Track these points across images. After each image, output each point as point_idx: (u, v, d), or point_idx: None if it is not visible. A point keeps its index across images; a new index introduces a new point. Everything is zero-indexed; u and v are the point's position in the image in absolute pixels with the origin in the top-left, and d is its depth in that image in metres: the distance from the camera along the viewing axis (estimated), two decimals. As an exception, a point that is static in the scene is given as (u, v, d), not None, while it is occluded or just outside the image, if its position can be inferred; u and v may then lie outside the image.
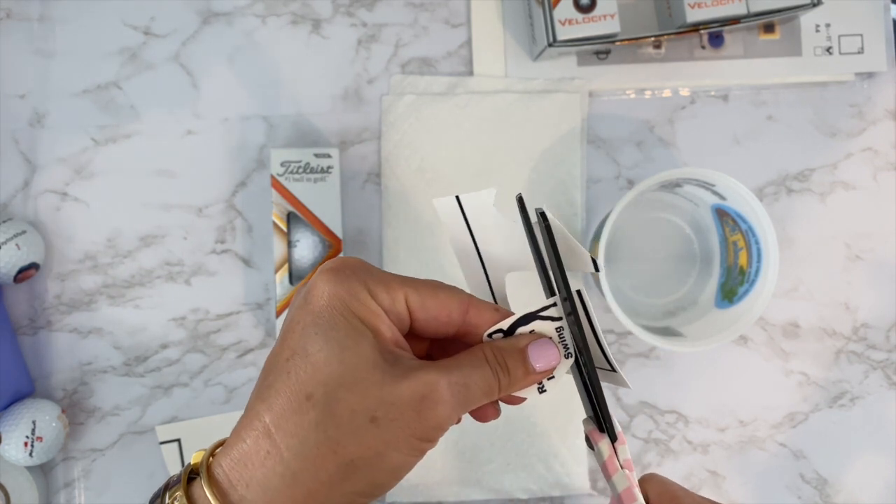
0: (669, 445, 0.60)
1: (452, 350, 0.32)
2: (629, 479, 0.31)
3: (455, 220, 0.33)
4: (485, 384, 0.30)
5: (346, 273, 0.30)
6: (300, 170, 0.56)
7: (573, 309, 0.31)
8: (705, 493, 0.60)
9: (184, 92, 0.60)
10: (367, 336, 0.29)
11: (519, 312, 0.32)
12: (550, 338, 0.32)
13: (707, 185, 0.55)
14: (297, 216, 0.56)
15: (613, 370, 0.32)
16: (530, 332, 0.32)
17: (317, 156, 0.56)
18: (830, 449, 0.61)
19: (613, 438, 0.32)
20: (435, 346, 0.33)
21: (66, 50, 0.60)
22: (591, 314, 0.31)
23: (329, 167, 0.57)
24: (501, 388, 0.31)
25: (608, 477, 0.32)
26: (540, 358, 0.31)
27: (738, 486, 0.61)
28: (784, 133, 0.61)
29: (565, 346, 0.32)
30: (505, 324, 0.32)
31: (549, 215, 0.31)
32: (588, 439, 0.33)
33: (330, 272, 0.30)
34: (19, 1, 0.60)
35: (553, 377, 0.32)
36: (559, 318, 0.32)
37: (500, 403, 0.33)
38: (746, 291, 0.55)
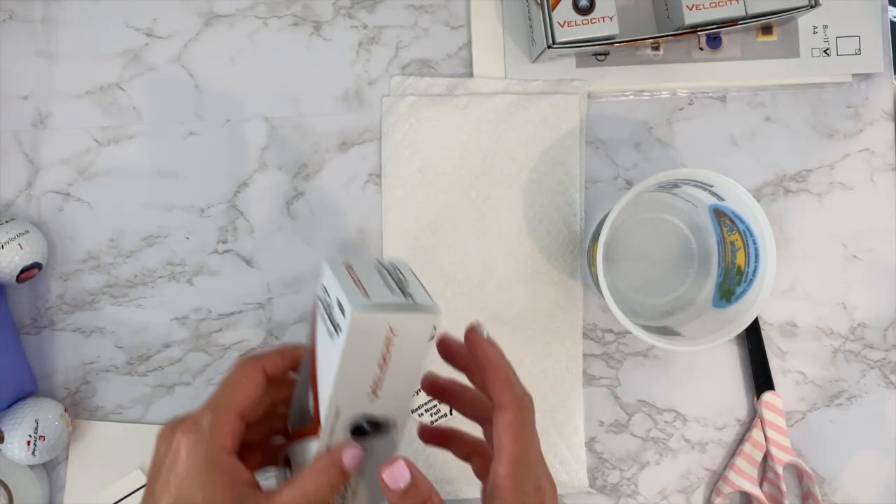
0: (668, 444, 0.61)
1: None
2: None
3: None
4: None
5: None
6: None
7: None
8: (703, 491, 0.61)
9: (186, 93, 0.60)
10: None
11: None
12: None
13: (705, 186, 0.55)
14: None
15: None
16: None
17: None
18: (828, 448, 0.61)
19: None
20: None
21: (68, 51, 0.60)
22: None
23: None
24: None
25: None
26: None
27: (735, 484, 0.61)
28: (781, 134, 0.62)
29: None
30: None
31: None
32: None
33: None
34: (22, 2, 0.60)
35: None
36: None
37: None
38: (744, 291, 0.56)
